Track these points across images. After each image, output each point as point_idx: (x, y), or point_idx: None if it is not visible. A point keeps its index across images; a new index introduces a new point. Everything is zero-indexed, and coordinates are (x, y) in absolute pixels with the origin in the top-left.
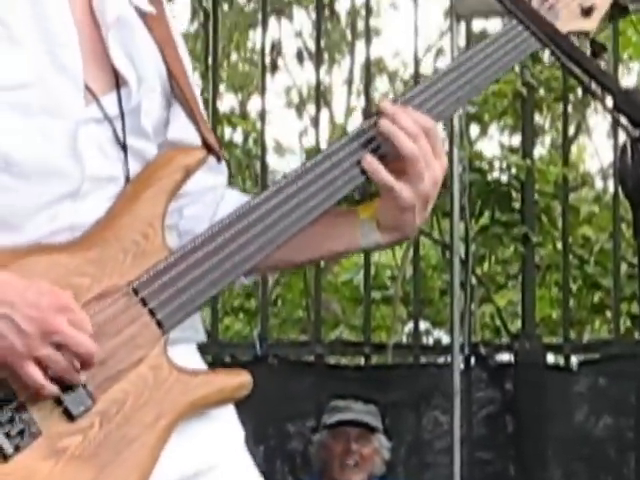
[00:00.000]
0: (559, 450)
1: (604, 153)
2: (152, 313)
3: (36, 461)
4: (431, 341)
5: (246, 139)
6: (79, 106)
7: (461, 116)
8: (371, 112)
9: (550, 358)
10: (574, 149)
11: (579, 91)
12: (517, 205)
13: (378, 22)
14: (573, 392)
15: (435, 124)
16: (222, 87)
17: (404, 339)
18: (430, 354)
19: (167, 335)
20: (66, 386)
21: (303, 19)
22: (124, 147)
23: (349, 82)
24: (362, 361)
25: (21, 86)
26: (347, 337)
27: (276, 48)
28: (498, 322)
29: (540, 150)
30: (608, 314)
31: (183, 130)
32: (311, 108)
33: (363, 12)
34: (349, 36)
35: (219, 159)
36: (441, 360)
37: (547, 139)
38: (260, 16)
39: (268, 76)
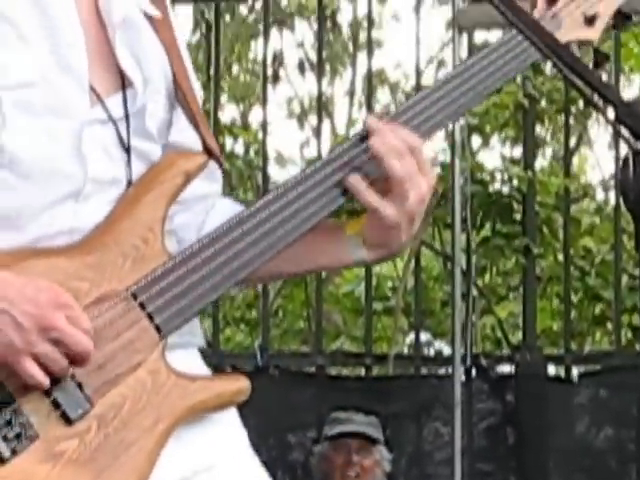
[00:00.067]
0: (560, 462)
1: (605, 164)
2: (151, 317)
3: (33, 465)
4: (432, 352)
5: (247, 150)
6: (84, 107)
7: (463, 127)
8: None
9: (551, 370)
10: (575, 160)
11: (581, 103)
12: (518, 216)
13: (380, 33)
14: (574, 403)
15: (421, 142)
16: (224, 98)
17: (405, 350)
18: (431, 365)
19: (165, 340)
20: (62, 386)
21: (305, 30)
22: (128, 149)
23: (351, 93)
24: (363, 372)
25: (25, 85)
26: (348, 348)
27: (278, 59)
28: (499, 333)
29: (541, 162)
30: (609, 326)
31: (183, 133)
32: (313, 119)
33: (365, 23)
34: (351, 47)
35: (220, 164)
36: (442, 371)
37: (548, 150)
38: (262, 27)
39: (270, 87)
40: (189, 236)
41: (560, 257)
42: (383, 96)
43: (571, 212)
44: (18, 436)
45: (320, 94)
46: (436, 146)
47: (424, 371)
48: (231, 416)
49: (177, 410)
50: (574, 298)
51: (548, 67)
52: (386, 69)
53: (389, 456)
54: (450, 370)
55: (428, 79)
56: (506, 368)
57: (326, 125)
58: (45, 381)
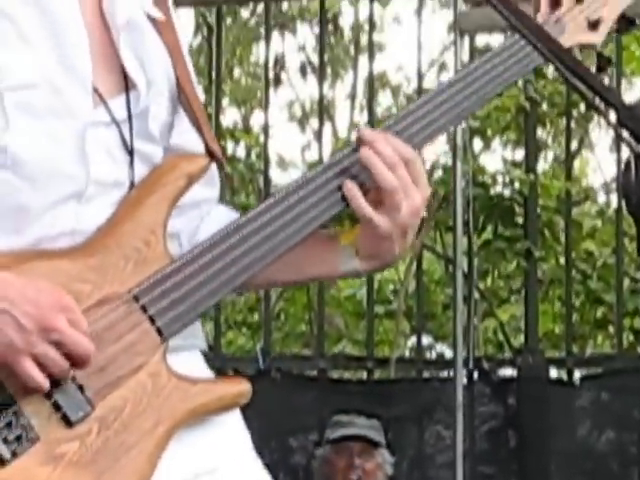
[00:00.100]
0: (562, 465)
1: (607, 167)
2: (152, 320)
3: (34, 467)
4: (434, 355)
5: (249, 153)
6: (87, 108)
7: (464, 130)
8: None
9: (553, 373)
10: (577, 164)
11: (582, 106)
12: (520, 220)
13: (381, 37)
14: (576, 407)
15: (415, 154)
16: (225, 101)
17: (407, 353)
18: (433, 368)
19: (167, 342)
20: (62, 388)
21: (306, 33)
22: (131, 151)
23: (352, 96)
24: (365, 375)
25: (28, 86)
26: (350, 351)
27: (279, 62)
28: (501, 337)
29: (543, 165)
30: (611, 329)
31: (185, 136)
32: (314, 122)
33: (366, 27)
34: (352, 50)
35: (222, 167)
36: (444, 374)
37: (550, 154)
38: (263, 30)
39: (271, 90)
40: (180, 242)
41: (562, 260)
42: (384, 99)
43: (573, 215)
44: (19, 438)
45: (321, 97)
46: (438, 149)
47: (426, 374)
48: (234, 418)
49: (178, 413)
50: (576, 301)
51: (550, 70)
52: (388, 72)
53: (391, 459)
54: (452, 373)
55: (429, 82)
56: (508, 371)
57: (327, 128)
58: (44, 383)
